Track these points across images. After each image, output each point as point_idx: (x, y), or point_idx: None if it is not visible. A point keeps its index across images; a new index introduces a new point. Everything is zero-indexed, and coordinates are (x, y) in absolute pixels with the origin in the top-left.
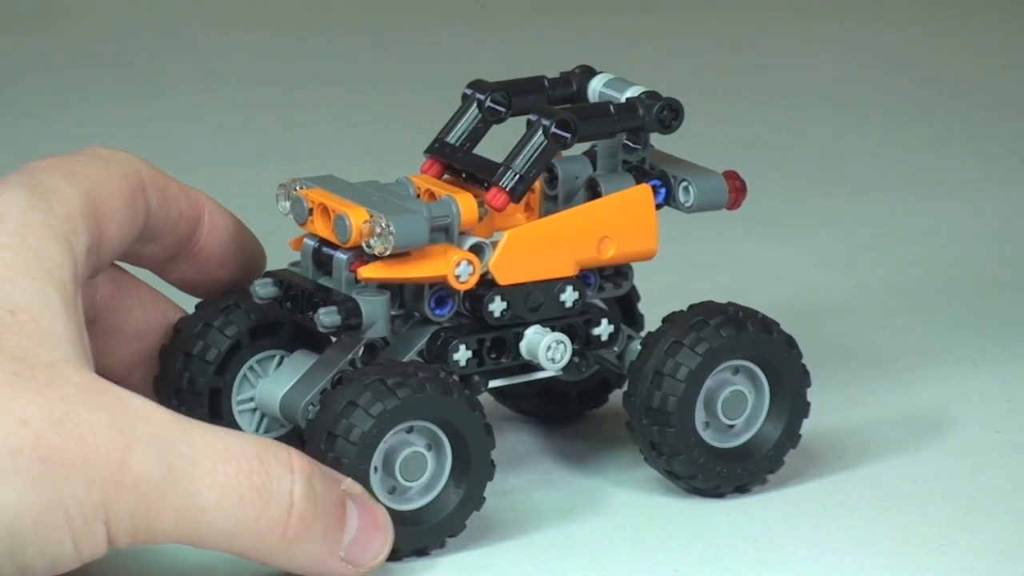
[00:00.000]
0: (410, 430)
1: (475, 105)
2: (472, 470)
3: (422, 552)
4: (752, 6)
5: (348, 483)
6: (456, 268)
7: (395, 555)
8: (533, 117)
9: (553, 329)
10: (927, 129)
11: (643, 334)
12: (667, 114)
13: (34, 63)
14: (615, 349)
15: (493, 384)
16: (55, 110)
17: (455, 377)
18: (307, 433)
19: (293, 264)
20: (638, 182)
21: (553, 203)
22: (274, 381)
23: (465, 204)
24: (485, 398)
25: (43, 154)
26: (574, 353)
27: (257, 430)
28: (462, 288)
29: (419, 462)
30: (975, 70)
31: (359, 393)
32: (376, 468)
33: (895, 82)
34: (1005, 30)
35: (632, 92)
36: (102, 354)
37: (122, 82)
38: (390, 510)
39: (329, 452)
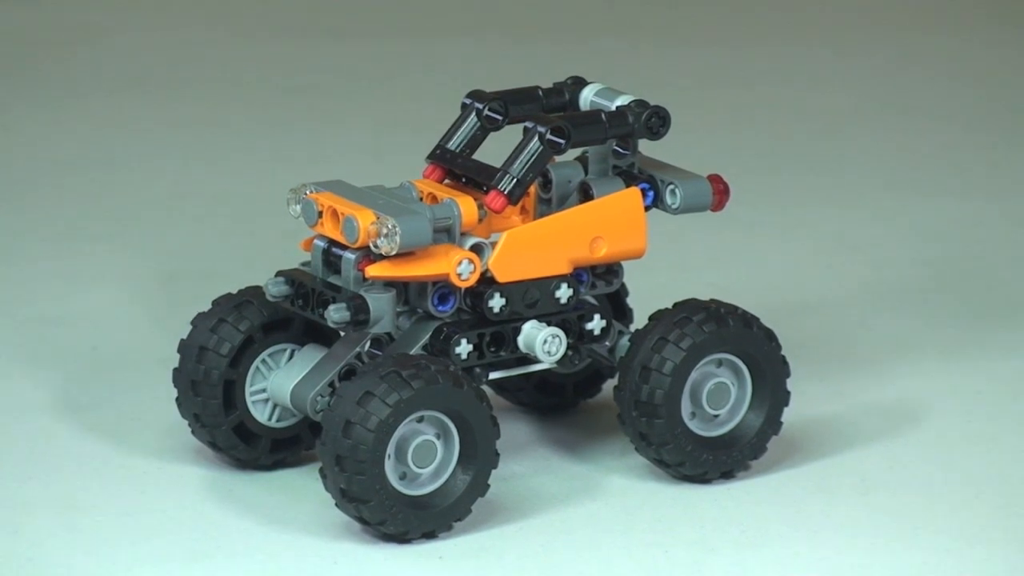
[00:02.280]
0: (420, 419)
1: (474, 114)
2: (478, 458)
3: (431, 535)
4: (733, 23)
5: None
6: (458, 267)
7: (405, 538)
8: (529, 124)
9: (549, 324)
10: (901, 139)
11: (632, 328)
12: (655, 121)
13: (61, 74)
14: (607, 343)
15: (493, 376)
16: (83, 118)
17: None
18: (323, 422)
19: (304, 264)
20: (628, 185)
21: (547, 206)
22: (285, 373)
23: (466, 207)
24: (485, 390)
25: (69, 158)
26: (568, 346)
27: (269, 420)
28: (463, 285)
29: (429, 450)
30: (945, 83)
31: (376, 384)
32: (389, 455)
33: (869, 96)
34: (976, 43)
35: (622, 101)
36: None
37: (146, 92)
38: (402, 495)
39: (347, 439)
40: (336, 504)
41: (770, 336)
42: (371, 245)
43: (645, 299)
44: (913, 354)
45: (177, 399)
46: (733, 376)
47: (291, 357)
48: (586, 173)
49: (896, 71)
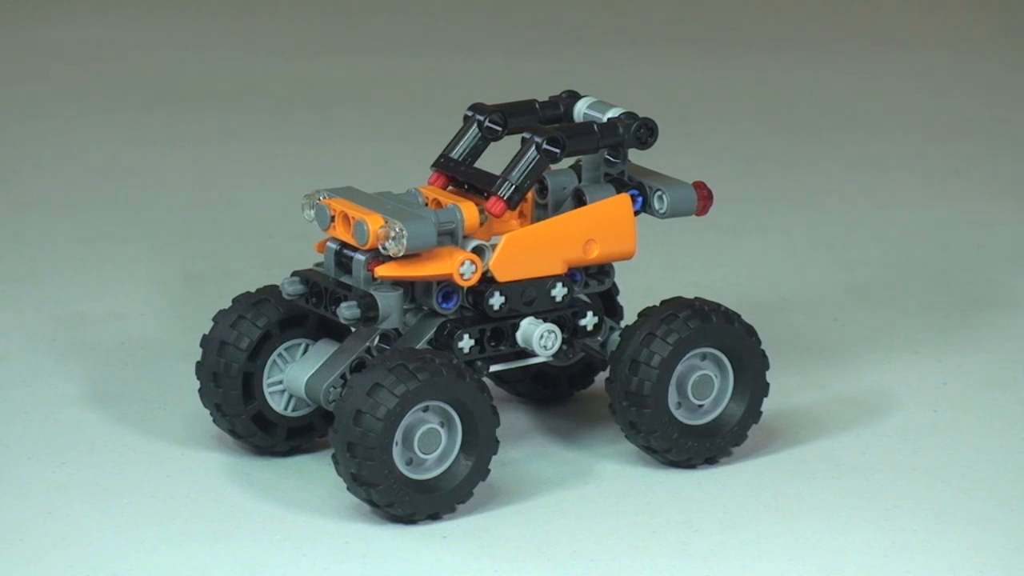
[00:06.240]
0: (426, 409)
1: (475, 125)
2: (479, 445)
3: (435, 516)
4: (714, 38)
5: None
6: (460, 267)
7: (412, 519)
8: (527, 135)
9: (545, 320)
10: (873, 147)
11: (623, 325)
12: (643, 132)
13: (91, 88)
14: (599, 338)
15: (493, 369)
16: (111, 129)
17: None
18: (336, 411)
19: (317, 264)
20: (618, 192)
21: (544, 210)
22: (300, 366)
23: (468, 211)
24: (486, 382)
25: (99, 167)
26: (563, 341)
27: (285, 409)
28: (466, 285)
29: (434, 437)
30: (915, 95)
31: (384, 376)
32: (397, 442)
33: (843, 108)
34: (941, 56)
35: (613, 113)
36: None
37: (171, 105)
38: (408, 479)
39: (357, 428)
40: (347, 488)
41: (750, 331)
42: (380, 247)
43: (635, 297)
44: (883, 348)
45: (200, 390)
46: (716, 369)
47: (306, 351)
48: (580, 180)
49: (868, 83)
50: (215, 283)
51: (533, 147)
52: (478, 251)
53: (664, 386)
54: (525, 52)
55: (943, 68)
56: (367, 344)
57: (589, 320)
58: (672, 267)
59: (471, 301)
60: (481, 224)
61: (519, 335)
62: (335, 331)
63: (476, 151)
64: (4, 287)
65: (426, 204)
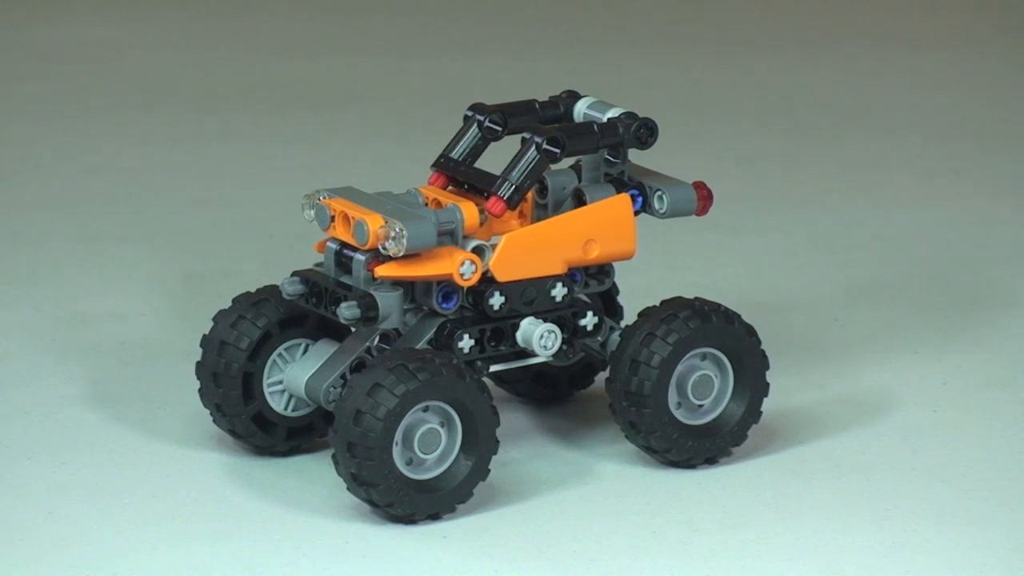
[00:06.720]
0: (426, 409)
1: (475, 125)
2: (479, 444)
3: (435, 516)
4: (715, 37)
5: None
6: (460, 267)
7: (412, 519)
8: (527, 135)
9: (545, 320)
10: (873, 147)
11: (623, 324)
12: (643, 132)
13: (91, 88)
14: (599, 338)
15: (493, 369)
16: (111, 129)
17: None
18: (336, 411)
19: (317, 264)
20: (618, 192)
21: (544, 211)
22: (300, 366)
23: (468, 211)
24: (486, 382)
25: (99, 167)
26: (563, 341)
27: (285, 409)
28: (466, 285)
29: (434, 437)
30: (915, 95)
31: (384, 376)
32: (397, 442)
33: (845, 106)
34: (941, 56)
35: (613, 113)
36: None
37: (170, 105)
38: (408, 479)
39: (357, 428)
40: (347, 488)
41: (750, 331)
42: (380, 247)
43: (635, 297)
44: (883, 348)
45: (200, 390)
46: (716, 369)
47: (306, 351)
48: (580, 180)
49: (868, 83)
50: (215, 283)
51: (533, 147)
52: (478, 251)
53: (664, 386)
54: (525, 52)
55: (943, 68)
56: (367, 344)
57: (589, 320)
58: (672, 267)
59: (471, 301)
60: (481, 224)
61: (519, 335)
62: (335, 331)
63: (476, 151)
64: (4, 287)
65: (426, 204)
